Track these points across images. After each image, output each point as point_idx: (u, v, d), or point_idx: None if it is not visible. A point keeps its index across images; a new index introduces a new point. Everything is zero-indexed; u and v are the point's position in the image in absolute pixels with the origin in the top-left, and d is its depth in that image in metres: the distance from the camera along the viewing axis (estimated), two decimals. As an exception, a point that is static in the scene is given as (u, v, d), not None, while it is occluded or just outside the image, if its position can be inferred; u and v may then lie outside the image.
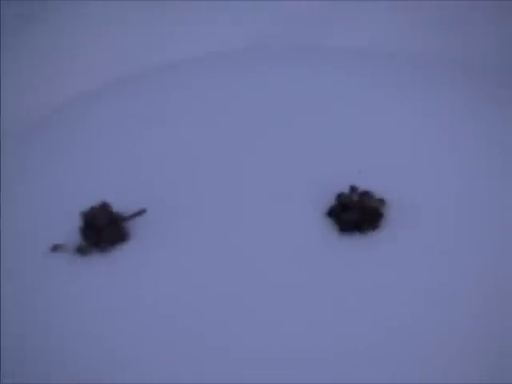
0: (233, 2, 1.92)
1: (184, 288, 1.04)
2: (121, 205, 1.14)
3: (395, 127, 1.21)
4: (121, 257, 1.10)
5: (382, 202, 1.08)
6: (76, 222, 1.13)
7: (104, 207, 1.14)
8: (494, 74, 1.53)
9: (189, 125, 1.26)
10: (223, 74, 1.38)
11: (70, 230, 1.13)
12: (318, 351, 0.96)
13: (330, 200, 1.10)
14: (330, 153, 1.16)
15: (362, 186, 1.10)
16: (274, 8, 1.89)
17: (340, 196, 1.09)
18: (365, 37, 1.89)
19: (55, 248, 1.13)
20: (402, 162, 1.15)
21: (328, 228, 1.07)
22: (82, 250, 1.11)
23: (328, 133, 1.19)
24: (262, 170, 1.16)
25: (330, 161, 1.15)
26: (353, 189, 1.09)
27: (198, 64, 1.44)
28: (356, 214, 1.07)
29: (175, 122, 1.28)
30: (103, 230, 1.11)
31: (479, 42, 1.81)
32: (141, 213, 1.14)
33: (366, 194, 1.08)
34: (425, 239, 1.05)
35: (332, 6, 2.25)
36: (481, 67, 1.64)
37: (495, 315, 0.98)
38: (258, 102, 1.28)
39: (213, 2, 1.72)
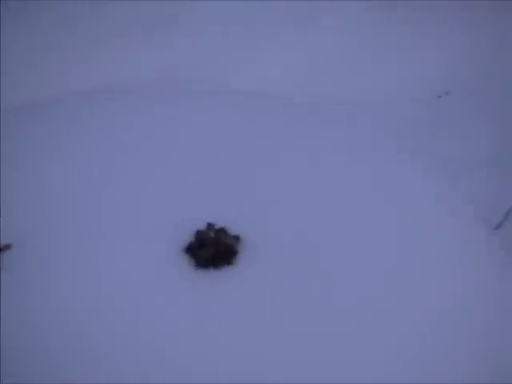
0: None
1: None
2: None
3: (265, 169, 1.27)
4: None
5: (237, 238, 1.14)
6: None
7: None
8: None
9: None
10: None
11: None
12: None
13: (189, 237, 1.15)
14: (193, 191, 1.21)
15: (220, 222, 1.15)
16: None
17: (197, 233, 1.14)
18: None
19: None
20: (262, 200, 1.21)
21: (185, 263, 1.13)
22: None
23: (195, 171, 1.25)
24: (125, 205, 1.20)
25: (191, 199, 1.20)
26: (210, 225, 1.15)
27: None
28: (212, 250, 1.12)
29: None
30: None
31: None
32: (6, 247, 1.17)
33: (222, 231, 1.14)
34: (275, 276, 1.11)
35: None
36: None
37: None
38: (137, 140, 1.32)
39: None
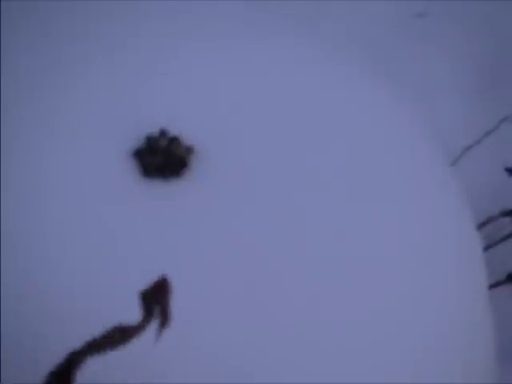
0: None
1: None
2: None
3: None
4: None
5: (190, 150, 1.07)
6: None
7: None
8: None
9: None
10: None
11: None
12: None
13: (139, 141, 1.08)
14: (149, 89, 1.13)
15: (174, 130, 1.08)
16: None
17: (148, 138, 1.07)
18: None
19: None
20: (222, 112, 1.13)
21: (131, 169, 1.06)
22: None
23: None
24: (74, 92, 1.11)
25: (146, 98, 1.12)
26: (163, 132, 1.07)
27: None
28: (162, 159, 1.05)
29: None
30: None
31: None
32: None
33: (175, 140, 1.06)
34: (223, 194, 1.05)
35: None
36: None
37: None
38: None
39: None
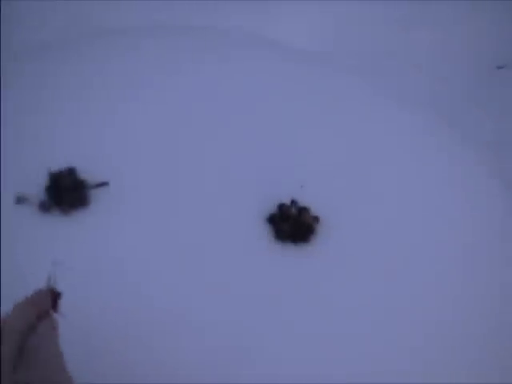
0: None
1: (133, 251, 1.18)
2: (85, 172, 1.26)
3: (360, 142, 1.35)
4: (80, 218, 1.23)
5: (316, 219, 1.23)
6: (42, 182, 1.24)
7: (71, 172, 1.25)
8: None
9: (156, 101, 1.37)
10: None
11: (35, 188, 1.25)
12: (242, 349, 1.13)
13: (271, 208, 1.24)
14: (280, 160, 1.30)
15: (302, 200, 1.24)
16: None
17: (281, 206, 1.23)
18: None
19: (20, 198, 1.24)
20: (346, 182, 1.29)
21: (265, 233, 1.23)
22: (44, 207, 1.23)
23: (281, 139, 1.33)
24: (216, 162, 1.28)
25: (278, 170, 1.29)
26: (293, 202, 1.24)
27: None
28: (292, 226, 1.22)
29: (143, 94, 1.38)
30: (67, 191, 1.23)
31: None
32: (103, 184, 1.26)
33: (304, 210, 1.23)
34: (347, 260, 1.21)
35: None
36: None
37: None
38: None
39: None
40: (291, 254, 1.21)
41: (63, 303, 0.88)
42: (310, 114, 1.38)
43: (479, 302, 1.23)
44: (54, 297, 0.88)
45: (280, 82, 1.43)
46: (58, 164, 1.24)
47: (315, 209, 1.24)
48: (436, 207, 1.30)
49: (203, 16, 2.10)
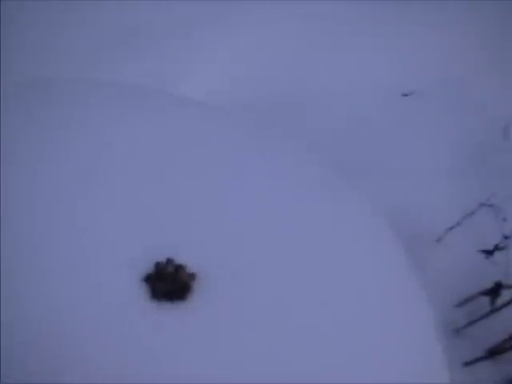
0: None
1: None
2: None
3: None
4: None
5: (193, 276, 1.22)
6: None
7: None
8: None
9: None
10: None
11: None
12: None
13: (148, 267, 1.22)
14: (156, 217, 1.28)
15: (179, 258, 1.23)
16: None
17: (157, 265, 1.22)
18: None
19: None
20: (223, 240, 1.28)
21: (142, 293, 1.20)
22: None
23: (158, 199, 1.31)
24: (88, 221, 1.26)
25: (155, 227, 1.27)
26: (169, 260, 1.22)
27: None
28: (168, 284, 1.20)
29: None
30: None
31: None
32: None
33: (180, 268, 1.21)
34: (226, 315, 1.20)
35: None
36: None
37: None
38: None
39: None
40: (169, 312, 1.19)
41: None
42: (189, 169, 1.37)
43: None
44: None
45: (155, 135, 1.42)
46: None
47: (192, 266, 1.22)
48: (317, 256, 1.30)
49: (102, 70, 2.10)
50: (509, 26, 3.04)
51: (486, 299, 2.18)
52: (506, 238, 2.14)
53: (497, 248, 2.16)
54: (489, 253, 2.16)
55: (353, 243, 1.36)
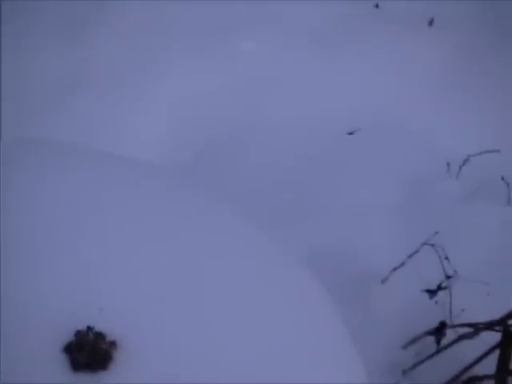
0: None
1: None
2: None
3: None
4: None
5: (114, 344, 1.19)
6: None
7: None
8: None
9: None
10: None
11: None
12: None
13: (68, 336, 1.19)
14: (76, 284, 1.26)
15: (100, 325, 1.20)
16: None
17: (78, 333, 1.19)
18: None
19: None
20: (142, 306, 1.26)
21: (62, 364, 1.17)
22: None
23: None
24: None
25: (75, 295, 1.24)
26: (89, 328, 1.19)
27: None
28: (89, 354, 1.17)
29: None
30: None
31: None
32: None
33: (100, 336, 1.19)
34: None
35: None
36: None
37: None
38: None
39: None
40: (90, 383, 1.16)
41: None
42: (113, 229, 1.35)
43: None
44: None
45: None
46: None
47: (113, 334, 1.19)
48: (241, 319, 1.28)
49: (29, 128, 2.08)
50: (449, 65, 3.09)
51: (432, 339, 2.18)
52: (449, 277, 2.15)
53: (440, 288, 2.17)
54: (432, 292, 2.16)
55: (275, 296, 1.35)
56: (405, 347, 2.19)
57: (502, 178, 2.52)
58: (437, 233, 2.28)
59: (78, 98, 2.54)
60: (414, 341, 2.19)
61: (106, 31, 2.95)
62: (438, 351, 2.13)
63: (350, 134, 3.02)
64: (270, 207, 2.37)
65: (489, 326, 1.99)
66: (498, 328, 1.98)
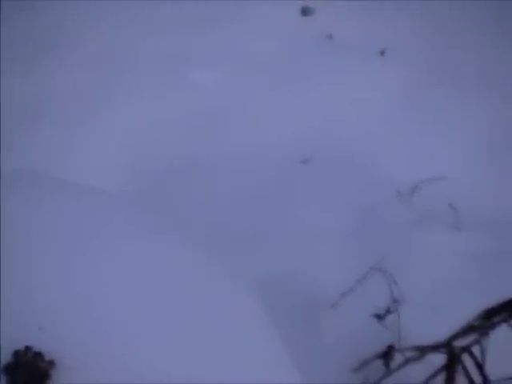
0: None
1: None
2: None
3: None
4: None
5: (52, 363, 1.19)
6: None
7: None
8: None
9: None
10: None
11: None
12: None
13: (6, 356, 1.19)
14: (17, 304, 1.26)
15: (38, 345, 1.20)
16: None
17: (15, 353, 1.19)
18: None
19: None
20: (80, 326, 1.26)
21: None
22: None
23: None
24: None
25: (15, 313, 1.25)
26: (28, 348, 1.19)
27: None
28: (27, 373, 1.17)
29: None
30: None
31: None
32: None
33: (38, 355, 1.19)
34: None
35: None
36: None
37: None
38: None
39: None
40: (27, 403, 1.15)
41: None
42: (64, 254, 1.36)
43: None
44: None
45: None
46: None
47: (51, 353, 1.20)
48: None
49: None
50: (399, 94, 3.16)
51: (380, 362, 2.20)
52: (396, 301, 2.18)
53: (388, 312, 2.20)
54: (380, 317, 2.19)
55: (216, 319, 1.37)
56: (354, 371, 2.20)
57: (449, 205, 2.58)
58: (383, 258, 2.31)
59: (37, 125, 2.54)
60: (363, 365, 2.21)
61: (67, 56, 2.96)
62: (387, 374, 2.15)
63: (303, 162, 3.05)
64: (221, 234, 2.39)
65: (434, 347, 2.01)
66: (443, 350, 2.00)
